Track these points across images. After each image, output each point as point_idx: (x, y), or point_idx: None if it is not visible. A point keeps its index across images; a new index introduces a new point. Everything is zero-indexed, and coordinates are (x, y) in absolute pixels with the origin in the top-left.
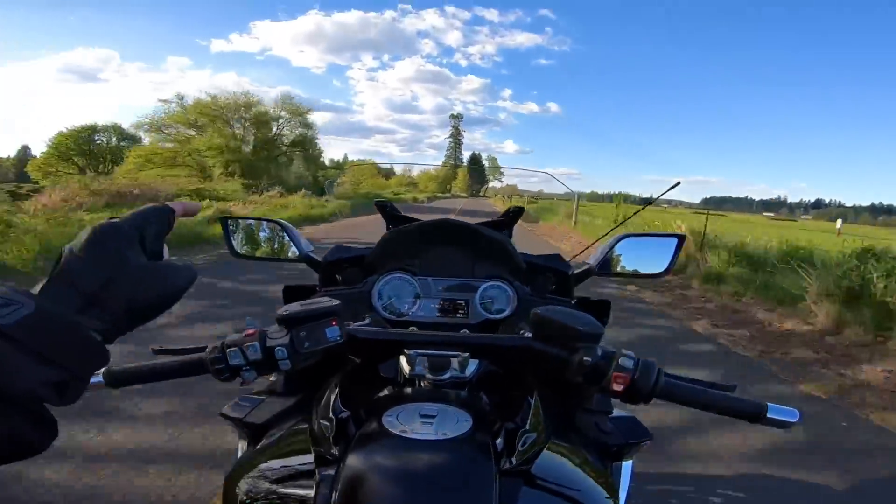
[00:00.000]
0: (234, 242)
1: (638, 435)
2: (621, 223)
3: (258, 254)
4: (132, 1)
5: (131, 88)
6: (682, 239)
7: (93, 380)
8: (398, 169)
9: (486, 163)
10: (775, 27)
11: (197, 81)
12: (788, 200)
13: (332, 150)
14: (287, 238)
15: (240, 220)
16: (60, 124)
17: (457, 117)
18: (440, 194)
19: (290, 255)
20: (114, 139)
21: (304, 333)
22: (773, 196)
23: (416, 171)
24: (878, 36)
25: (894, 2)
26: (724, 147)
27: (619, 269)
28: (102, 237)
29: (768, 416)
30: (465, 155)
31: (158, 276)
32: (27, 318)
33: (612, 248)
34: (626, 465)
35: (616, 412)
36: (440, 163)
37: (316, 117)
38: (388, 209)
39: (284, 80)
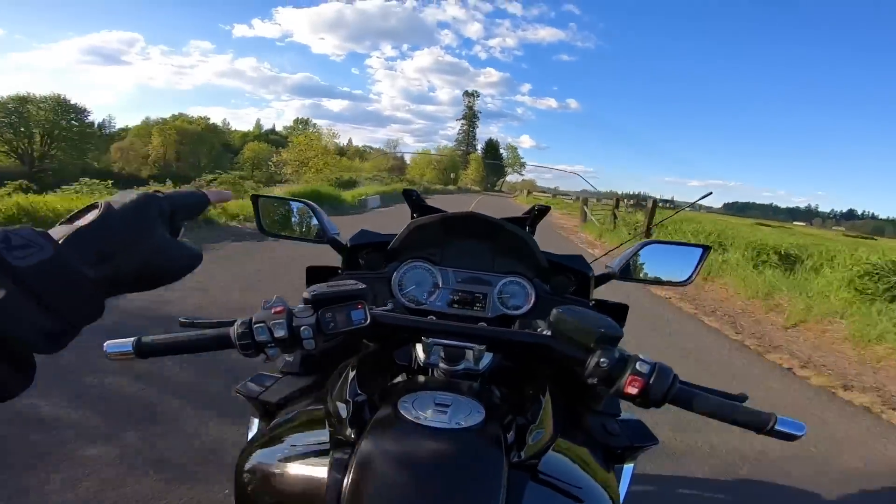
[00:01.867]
0: (263, 220)
1: (644, 439)
2: (646, 228)
3: (285, 233)
4: None
5: (154, 71)
6: (706, 249)
7: (123, 348)
8: (357, 140)
9: (504, 152)
10: (804, 30)
11: (218, 65)
12: (816, 209)
13: (347, 138)
14: (314, 219)
15: (270, 199)
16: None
17: (472, 95)
18: (439, 186)
19: (315, 236)
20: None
21: (330, 315)
22: (794, 204)
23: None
24: None
25: None
26: (743, 151)
27: (641, 274)
28: (147, 203)
29: (776, 427)
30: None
31: (174, 252)
32: (42, 263)
33: (635, 253)
34: (628, 468)
35: (624, 415)
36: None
37: (333, 105)
38: (414, 198)
39: (304, 67)
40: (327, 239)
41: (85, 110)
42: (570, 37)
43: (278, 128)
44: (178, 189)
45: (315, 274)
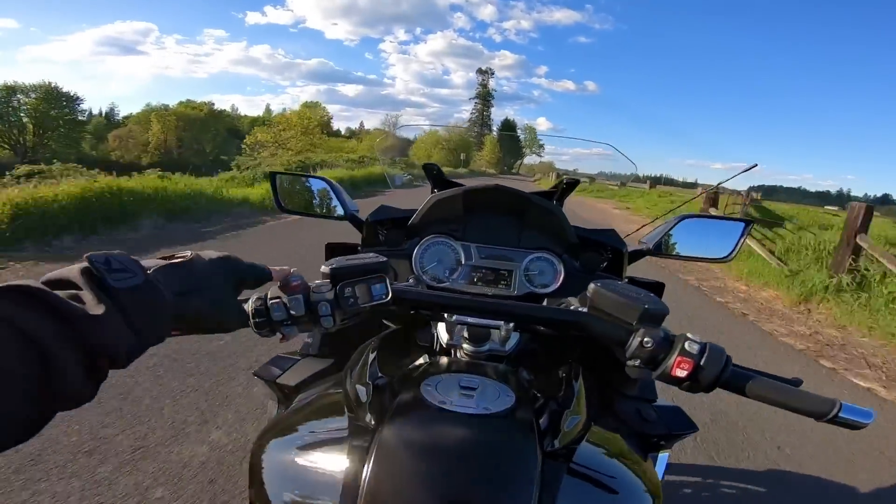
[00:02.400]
0: (281, 197)
1: (683, 426)
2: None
3: (303, 209)
4: None
5: (170, 60)
6: (748, 224)
7: None
8: (370, 124)
9: (521, 133)
10: (828, 10)
11: (232, 53)
12: (849, 193)
13: (364, 122)
14: (333, 196)
15: (288, 175)
16: (100, 95)
17: (486, 72)
18: (446, 169)
19: (334, 212)
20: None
21: (350, 290)
22: (821, 188)
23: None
24: None
25: None
26: (766, 134)
27: (677, 251)
28: (226, 261)
29: (840, 415)
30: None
31: (233, 309)
32: (135, 288)
33: (671, 228)
34: (663, 457)
35: (660, 401)
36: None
37: (347, 90)
38: (435, 172)
39: (318, 53)
40: (347, 215)
41: (77, 98)
42: (586, 18)
43: (288, 112)
44: (256, 264)
45: (335, 250)
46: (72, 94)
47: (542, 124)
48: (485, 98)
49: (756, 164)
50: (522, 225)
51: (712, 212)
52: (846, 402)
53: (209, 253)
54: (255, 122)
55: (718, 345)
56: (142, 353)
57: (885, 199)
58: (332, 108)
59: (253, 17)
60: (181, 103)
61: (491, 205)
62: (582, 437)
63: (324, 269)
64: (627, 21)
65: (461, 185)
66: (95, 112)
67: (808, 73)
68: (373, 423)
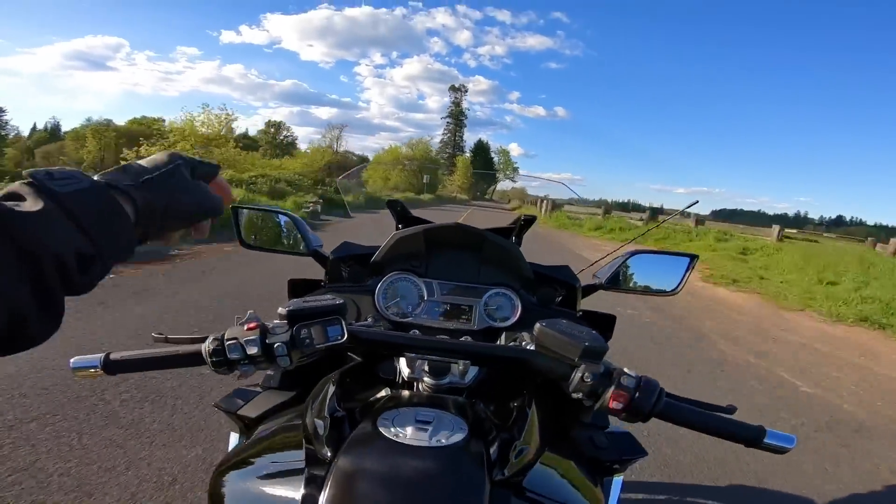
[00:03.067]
0: (244, 232)
1: (633, 452)
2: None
3: (266, 245)
4: None
5: (140, 77)
6: (693, 258)
7: (89, 364)
8: (303, 134)
9: (494, 157)
10: (784, 37)
11: (205, 72)
12: (806, 215)
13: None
14: (297, 231)
15: (250, 210)
16: (69, 110)
17: (458, 90)
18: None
19: (298, 248)
20: None
21: (306, 331)
22: (777, 210)
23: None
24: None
25: None
26: (725, 158)
27: (629, 285)
28: (172, 154)
29: (766, 441)
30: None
31: (198, 191)
32: (81, 191)
33: (622, 263)
34: (617, 481)
35: (612, 427)
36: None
37: (321, 112)
38: (399, 209)
39: (292, 74)
40: (310, 251)
41: None
42: (558, 44)
43: (252, 132)
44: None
45: (297, 287)
46: None
47: (514, 150)
48: (457, 117)
49: (697, 201)
50: (482, 261)
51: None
52: (770, 429)
53: (159, 157)
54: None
55: (653, 378)
56: (104, 270)
57: (839, 221)
58: (304, 131)
59: (228, 36)
60: (132, 120)
61: (452, 242)
62: (532, 464)
63: (281, 310)
64: (597, 48)
65: (424, 220)
66: (40, 127)
67: (766, 97)
68: (328, 454)
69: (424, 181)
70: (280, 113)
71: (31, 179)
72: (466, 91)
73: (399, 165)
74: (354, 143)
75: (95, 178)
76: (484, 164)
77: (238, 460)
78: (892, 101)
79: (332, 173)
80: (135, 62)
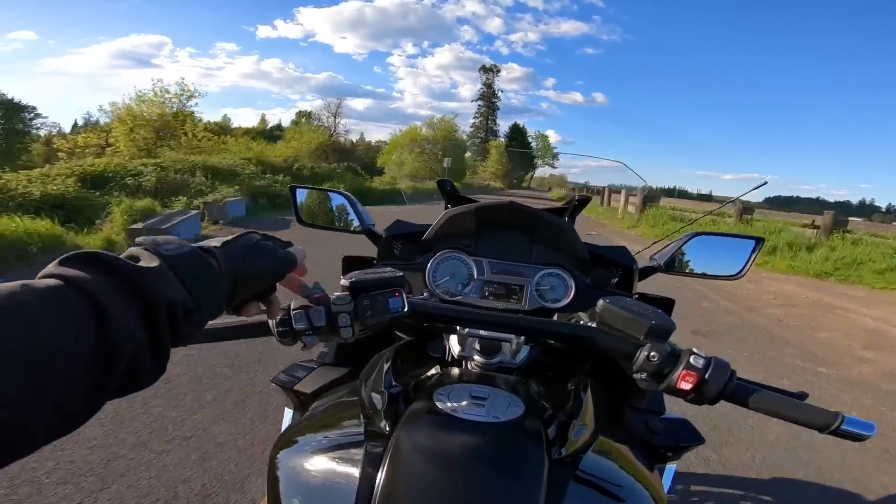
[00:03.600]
0: (300, 210)
1: (690, 438)
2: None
3: (322, 223)
4: None
5: (183, 73)
6: (759, 241)
7: None
8: (375, 136)
9: (532, 141)
10: (837, 20)
11: (244, 67)
12: (872, 203)
13: (371, 135)
14: (350, 210)
15: (308, 190)
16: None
17: (490, 70)
18: (409, 189)
19: (352, 227)
20: None
21: (368, 302)
22: (836, 198)
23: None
24: None
25: None
26: (776, 144)
27: (688, 268)
28: (247, 231)
29: (843, 427)
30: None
31: (277, 252)
32: (183, 255)
33: (681, 245)
34: (670, 468)
35: (668, 413)
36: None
37: (357, 103)
38: (448, 188)
39: (327, 67)
40: (363, 229)
41: (27, 108)
42: (594, 30)
43: (285, 123)
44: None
45: (351, 264)
46: (23, 104)
47: (551, 136)
48: (489, 100)
49: (766, 182)
50: (534, 241)
51: None
52: (849, 415)
53: (251, 235)
54: (247, 133)
55: (723, 360)
56: (202, 323)
57: None
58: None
59: (264, 31)
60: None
61: (503, 221)
62: (589, 446)
63: (343, 282)
64: (635, 32)
65: (474, 200)
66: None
67: (817, 83)
68: (387, 429)
69: (445, 166)
70: (317, 105)
71: (145, 244)
72: (499, 72)
73: (417, 148)
74: (389, 134)
75: (192, 245)
76: (519, 149)
77: (296, 434)
78: None
79: (328, 157)
80: (177, 59)
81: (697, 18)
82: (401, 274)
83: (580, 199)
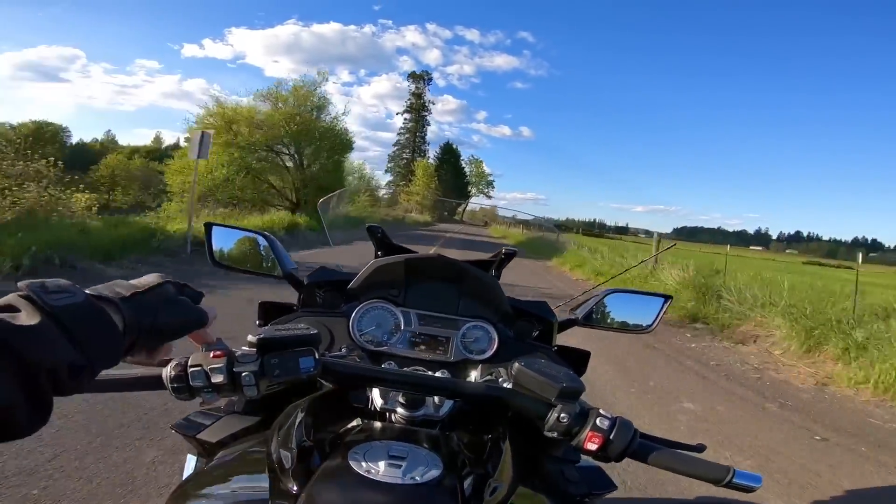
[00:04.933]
0: (216, 250)
1: (602, 486)
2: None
3: (238, 265)
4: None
5: (95, 90)
6: (668, 298)
7: None
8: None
9: (466, 167)
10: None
11: (165, 86)
12: (766, 232)
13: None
14: (271, 252)
15: (225, 228)
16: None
17: (421, 78)
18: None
19: (272, 270)
20: None
21: (277, 360)
22: (732, 227)
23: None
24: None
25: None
26: (678, 176)
27: (605, 321)
28: (160, 276)
29: (734, 480)
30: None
31: (182, 307)
32: (74, 306)
33: (599, 300)
34: None
35: (583, 461)
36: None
37: None
38: (379, 235)
39: (256, 90)
40: (284, 274)
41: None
42: (523, 64)
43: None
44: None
45: (269, 310)
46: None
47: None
48: (419, 112)
49: (675, 244)
50: (461, 293)
51: None
52: (738, 469)
53: (148, 278)
54: (135, 152)
55: (627, 419)
56: (92, 377)
57: (797, 237)
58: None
59: (190, 50)
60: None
61: (432, 273)
62: (506, 501)
63: (251, 338)
64: (560, 67)
65: (404, 248)
66: None
67: (712, 119)
68: (295, 488)
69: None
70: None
71: (27, 292)
72: (431, 80)
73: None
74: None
75: (87, 291)
76: (454, 173)
77: (195, 486)
78: (834, 121)
79: (300, 140)
80: (90, 74)
81: (616, 60)
82: (315, 332)
83: (507, 253)
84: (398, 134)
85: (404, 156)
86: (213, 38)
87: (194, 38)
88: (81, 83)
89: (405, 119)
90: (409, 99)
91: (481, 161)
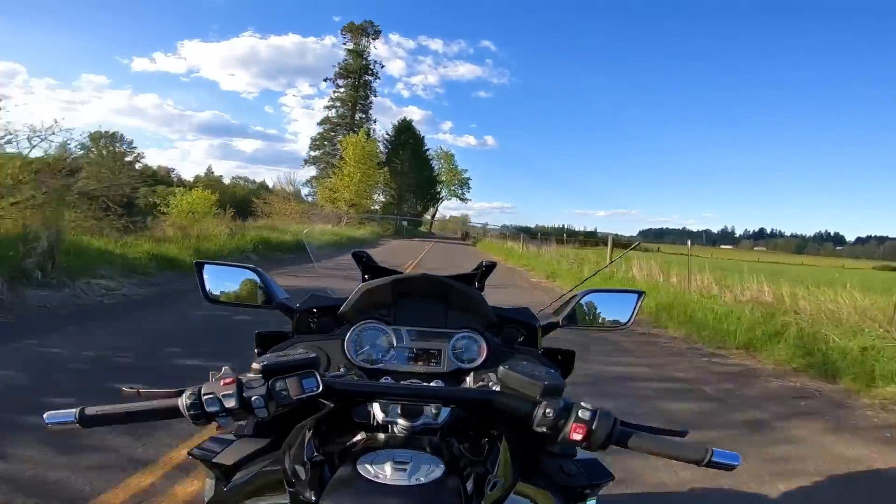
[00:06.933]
0: (208, 287)
1: (600, 476)
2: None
3: (231, 300)
4: (50, 13)
5: (37, 107)
6: (640, 294)
7: (65, 419)
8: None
9: (434, 160)
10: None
11: (114, 102)
12: (732, 231)
13: (261, 179)
14: (261, 284)
15: (215, 266)
16: None
17: (364, 31)
18: None
19: (263, 302)
20: None
21: (282, 383)
22: (693, 227)
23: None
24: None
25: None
26: (636, 180)
27: (584, 321)
28: None
29: (713, 459)
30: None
31: None
32: None
33: (577, 302)
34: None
35: (580, 454)
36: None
37: (244, 145)
38: (364, 259)
39: (212, 105)
40: (275, 304)
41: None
42: (486, 73)
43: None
44: None
45: (265, 339)
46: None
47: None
48: (359, 77)
49: (639, 243)
50: (448, 307)
51: None
52: (717, 449)
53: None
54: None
55: (607, 409)
56: None
57: (761, 234)
58: (227, 165)
59: (140, 64)
60: None
61: (418, 291)
62: (506, 496)
63: (255, 365)
64: (521, 76)
65: (390, 269)
66: None
67: (662, 120)
68: (313, 498)
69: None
70: (199, 146)
71: None
72: (377, 35)
73: None
74: (283, 178)
75: None
76: (415, 163)
77: None
78: (783, 118)
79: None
80: (32, 90)
81: (573, 65)
82: (314, 355)
83: (487, 265)
84: (325, 108)
85: (336, 140)
86: (164, 52)
87: (144, 52)
88: (22, 99)
89: (337, 85)
90: (345, 59)
91: (452, 154)
